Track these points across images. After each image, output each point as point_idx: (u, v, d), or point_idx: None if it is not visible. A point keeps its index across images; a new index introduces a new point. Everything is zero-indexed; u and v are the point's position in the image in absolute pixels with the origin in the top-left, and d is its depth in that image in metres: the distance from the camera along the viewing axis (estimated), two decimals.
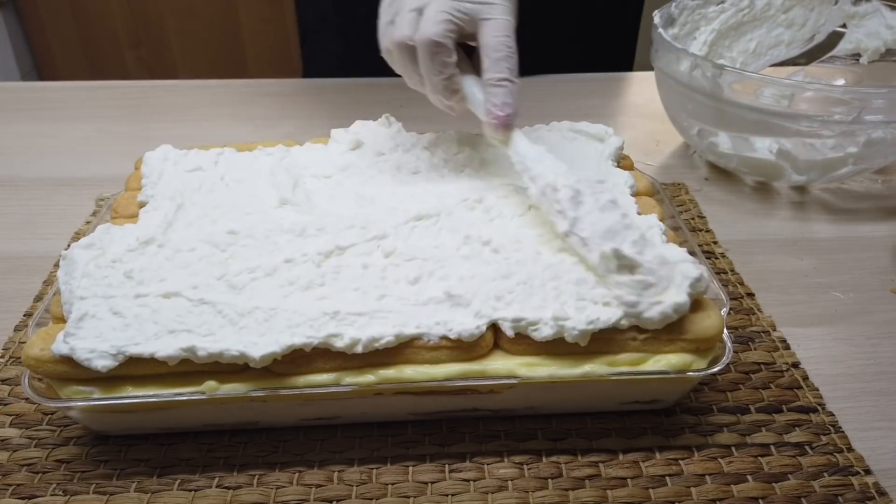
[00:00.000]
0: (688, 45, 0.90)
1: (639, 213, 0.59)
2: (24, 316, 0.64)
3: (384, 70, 1.06)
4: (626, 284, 0.49)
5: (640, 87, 1.08)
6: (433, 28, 0.54)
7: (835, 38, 0.92)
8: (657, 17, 0.85)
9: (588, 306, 0.49)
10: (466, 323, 0.49)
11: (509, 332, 0.49)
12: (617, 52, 1.16)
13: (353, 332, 0.48)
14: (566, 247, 0.54)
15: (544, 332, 0.48)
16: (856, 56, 0.91)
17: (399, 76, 1.06)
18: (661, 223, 0.56)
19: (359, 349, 0.48)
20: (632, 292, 0.49)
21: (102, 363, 0.46)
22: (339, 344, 0.48)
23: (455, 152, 0.67)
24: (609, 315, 0.49)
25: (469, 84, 0.59)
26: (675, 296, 0.49)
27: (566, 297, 0.50)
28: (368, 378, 0.48)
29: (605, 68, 1.11)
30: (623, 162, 0.68)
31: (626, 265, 0.49)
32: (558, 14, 1.05)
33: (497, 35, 0.56)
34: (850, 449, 0.52)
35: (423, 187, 0.62)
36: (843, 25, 0.91)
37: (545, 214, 0.55)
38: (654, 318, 0.48)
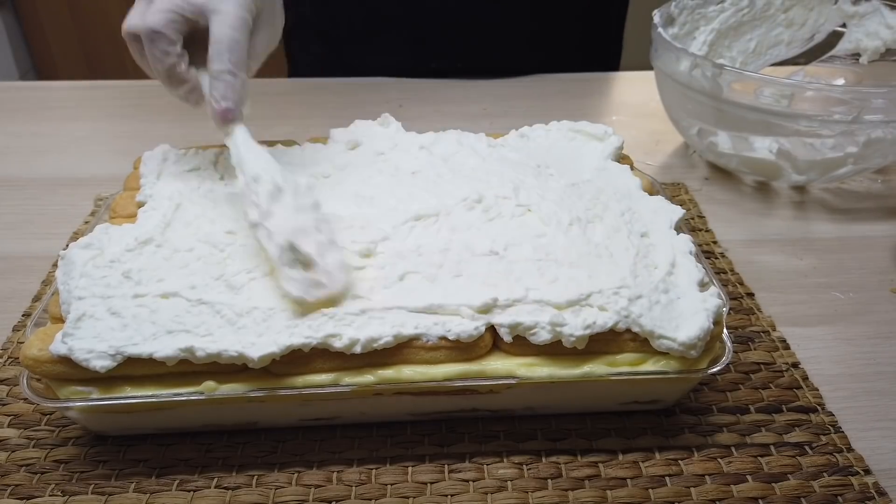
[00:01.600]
0: (687, 44, 0.90)
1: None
2: (23, 316, 0.64)
3: (365, 70, 1.07)
4: (294, 279, 0.49)
5: (640, 86, 1.08)
6: (154, 17, 0.55)
7: (834, 37, 0.92)
8: (657, 17, 0.85)
9: (584, 310, 0.49)
10: (465, 324, 0.49)
11: (507, 338, 0.49)
12: (602, 52, 1.16)
13: (352, 333, 0.48)
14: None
15: (542, 336, 0.48)
16: (855, 56, 0.91)
17: (395, 76, 1.07)
18: (691, 244, 0.56)
19: (357, 349, 0.47)
20: (300, 288, 0.48)
21: (101, 363, 0.46)
22: (338, 344, 0.47)
23: (454, 152, 0.67)
24: (605, 319, 0.49)
25: (203, 78, 0.58)
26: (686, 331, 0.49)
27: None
28: (367, 378, 0.48)
29: (590, 68, 1.11)
30: (623, 162, 0.68)
31: (301, 261, 0.49)
32: (541, 14, 1.05)
33: (222, 27, 0.56)
34: (849, 449, 0.52)
35: (422, 187, 0.62)
36: (843, 25, 0.91)
37: (242, 205, 0.54)
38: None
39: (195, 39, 0.58)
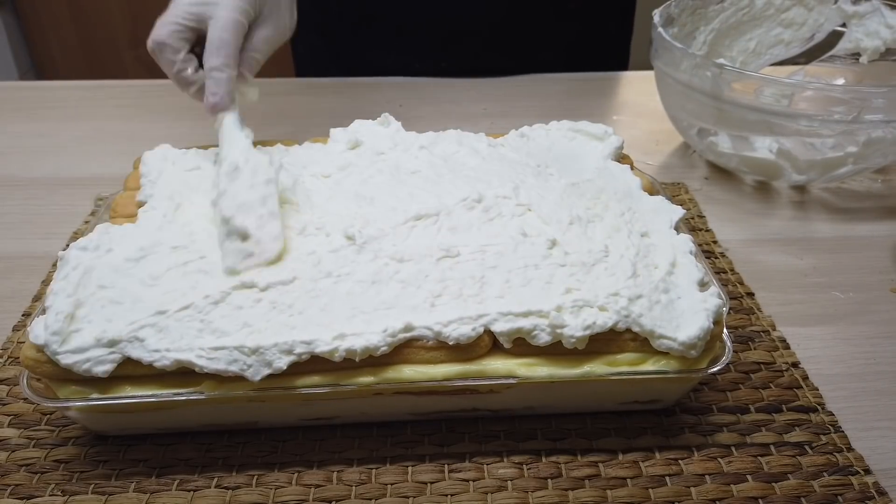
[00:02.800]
0: (688, 44, 0.90)
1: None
2: (23, 316, 0.64)
3: (363, 66, 1.07)
4: (228, 251, 0.52)
5: (640, 86, 1.08)
6: (160, 30, 0.62)
7: (834, 37, 0.92)
8: (657, 17, 0.85)
9: (584, 310, 0.49)
10: (462, 327, 0.48)
11: (507, 345, 0.49)
12: (610, 52, 1.16)
13: (347, 344, 0.47)
14: (566, 250, 0.54)
15: (542, 338, 0.48)
16: (855, 55, 0.91)
17: (394, 75, 1.07)
18: (691, 244, 0.56)
19: (355, 359, 0.48)
20: (232, 258, 0.52)
21: (101, 368, 0.46)
22: (335, 357, 0.47)
23: (454, 152, 0.67)
24: (605, 319, 0.49)
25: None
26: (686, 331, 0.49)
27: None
28: (367, 378, 0.48)
29: (599, 68, 1.11)
30: (623, 161, 0.68)
31: (238, 234, 0.53)
32: (550, 14, 1.05)
33: (215, 30, 0.61)
34: (849, 449, 0.52)
35: (422, 187, 0.62)
36: (843, 25, 0.91)
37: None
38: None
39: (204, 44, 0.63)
